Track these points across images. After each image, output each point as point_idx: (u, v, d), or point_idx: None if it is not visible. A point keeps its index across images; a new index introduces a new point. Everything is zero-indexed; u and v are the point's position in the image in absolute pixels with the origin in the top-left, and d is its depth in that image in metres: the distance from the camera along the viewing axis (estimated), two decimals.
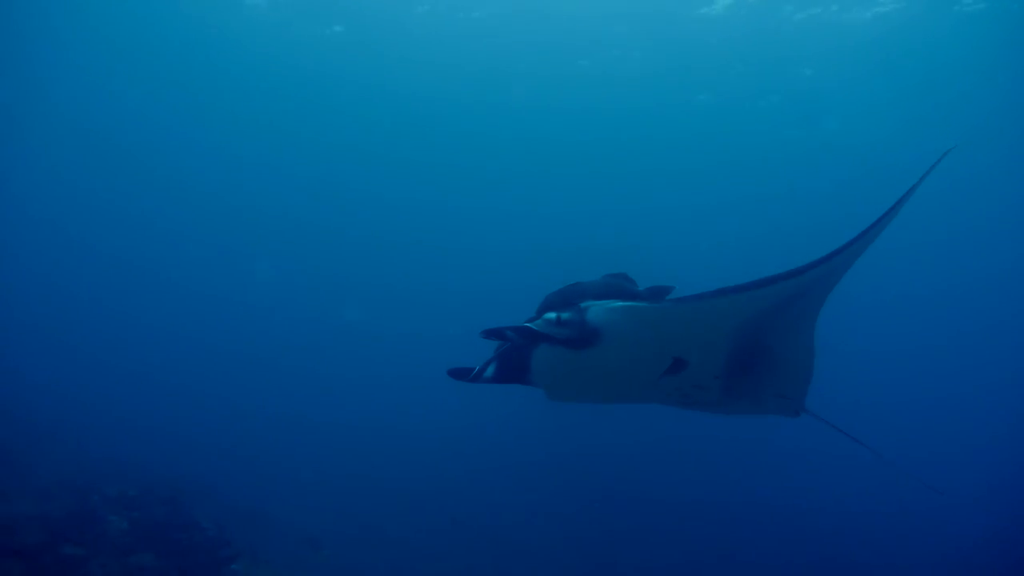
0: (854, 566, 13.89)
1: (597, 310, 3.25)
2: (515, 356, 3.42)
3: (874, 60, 19.63)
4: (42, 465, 10.80)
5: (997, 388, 26.23)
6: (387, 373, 24.03)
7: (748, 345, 3.45)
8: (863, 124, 23.40)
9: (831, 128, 23.56)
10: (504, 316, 3.97)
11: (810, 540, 14.06)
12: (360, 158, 29.66)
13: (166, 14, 20.44)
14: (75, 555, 8.53)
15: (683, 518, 13.96)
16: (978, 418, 24.96)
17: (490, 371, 3.42)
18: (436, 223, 33.33)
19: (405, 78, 23.06)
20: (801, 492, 17.13)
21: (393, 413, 18.76)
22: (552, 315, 3.28)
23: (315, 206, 32.95)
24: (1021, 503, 16.53)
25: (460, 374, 3.41)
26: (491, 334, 3.28)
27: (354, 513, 11.98)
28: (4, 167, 28.12)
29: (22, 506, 9.47)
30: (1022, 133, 21.53)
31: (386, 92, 24.29)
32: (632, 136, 25.67)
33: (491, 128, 26.31)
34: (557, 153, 27.55)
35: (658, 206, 30.68)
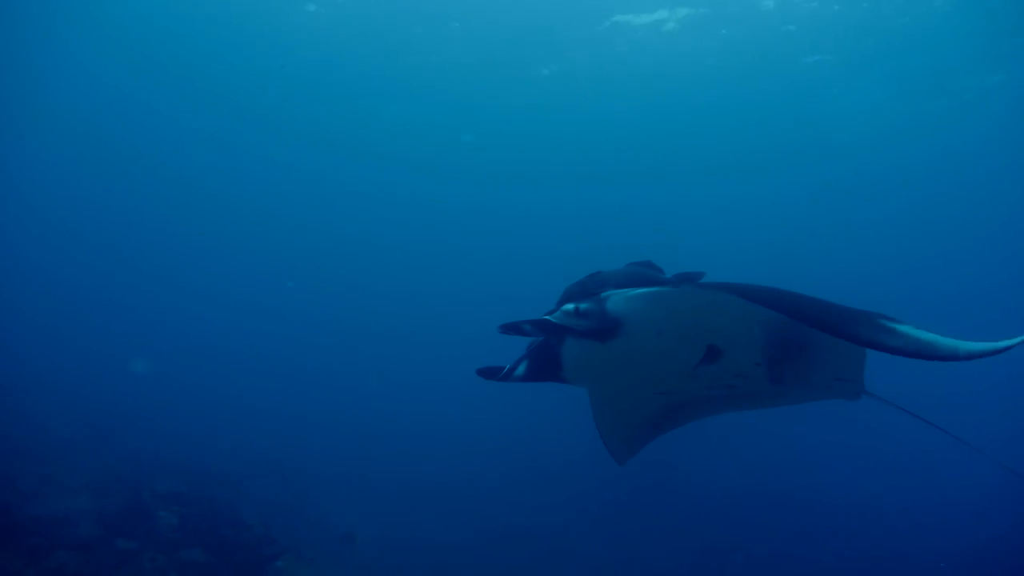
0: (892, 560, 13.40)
1: (617, 299, 3.15)
2: (545, 352, 3.33)
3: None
4: (99, 462, 11.26)
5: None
6: (419, 373, 24.16)
7: (786, 330, 3.24)
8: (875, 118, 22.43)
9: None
10: (535, 310, 3.91)
11: (836, 535, 13.56)
12: (379, 157, 29.85)
13: (172, 9, 20.48)
14: (128, 549, 8.89)
15: (719, 514, 13.67)
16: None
17: (521, 369, 3.31)
18: (467, 222, 33.51)
19: (423, 74, 22.74)
20: (827, 486, 16.53)
21: (424, 412, 18.81)
22: (571, 306, 3.20)
23: (343, 210, 33.48)
24: None
25: (490, 373, 3.29)
26: (509, 329, 3.21)
27: (390, 511, 12.13)
28: (51, 179, 29.45)
29: (80, 501, 9.91)
30: None
31: (404, 90, 24.09)
32: (661, 131, 25.31)
33: (517, 126, 26.24)
34: (582, 150, 27.31)
35: (685, 202, 30.21)
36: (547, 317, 3.29)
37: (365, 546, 10.99)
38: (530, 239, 33.07)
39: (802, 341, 3.34)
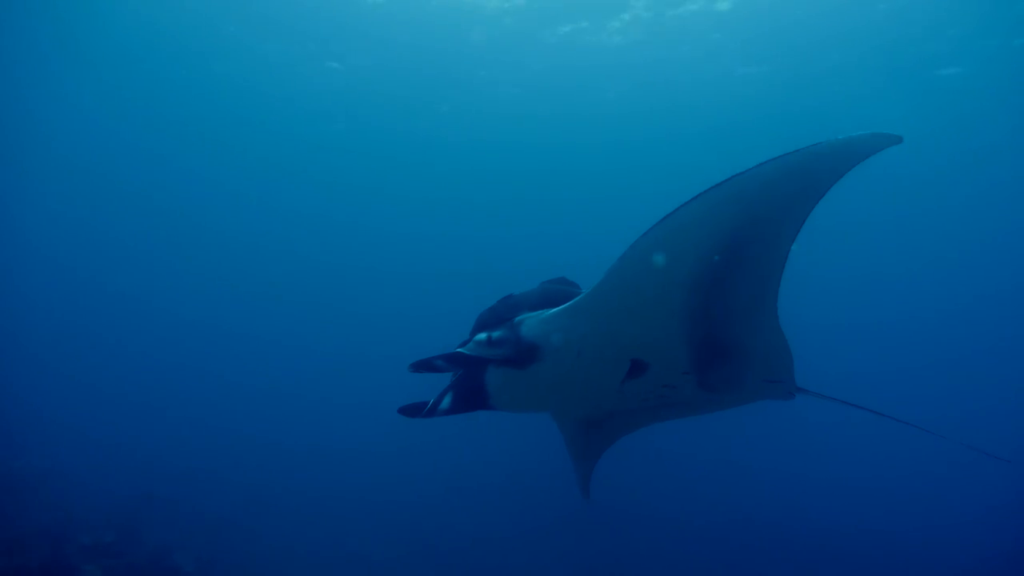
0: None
1: (531, 323, 3.01)
2: (469, 382, 3.16)
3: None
4: (17, 513, 10.42)
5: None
6: (356, 396, 23.59)
7: (709, 335, 3.12)
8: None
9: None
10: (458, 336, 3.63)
11: (806, 549, 13.55)
12: (338, 186, 29.76)
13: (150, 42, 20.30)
14: None
15: (679, 532, 13.51)
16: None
17: (446, 402, 3.10)
18: (405, 246, 33.49)
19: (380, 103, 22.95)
20: (790, 497, 16.63)
21: (366, 437, 18.21)
22: (483, 336, 3.05)
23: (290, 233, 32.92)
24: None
25: (413, 410, 3.07)
26: (420, 367, 3.01)
27: (338, 548, 11.58)
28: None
29: None
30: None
31: (361, 126, 24.35)
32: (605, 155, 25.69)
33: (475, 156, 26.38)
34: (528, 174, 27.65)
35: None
36: (460, 350, 3.14)
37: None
38: (462, 262, 32.96)
39: (726, 343, 3.22)
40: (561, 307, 2.95)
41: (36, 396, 18.27)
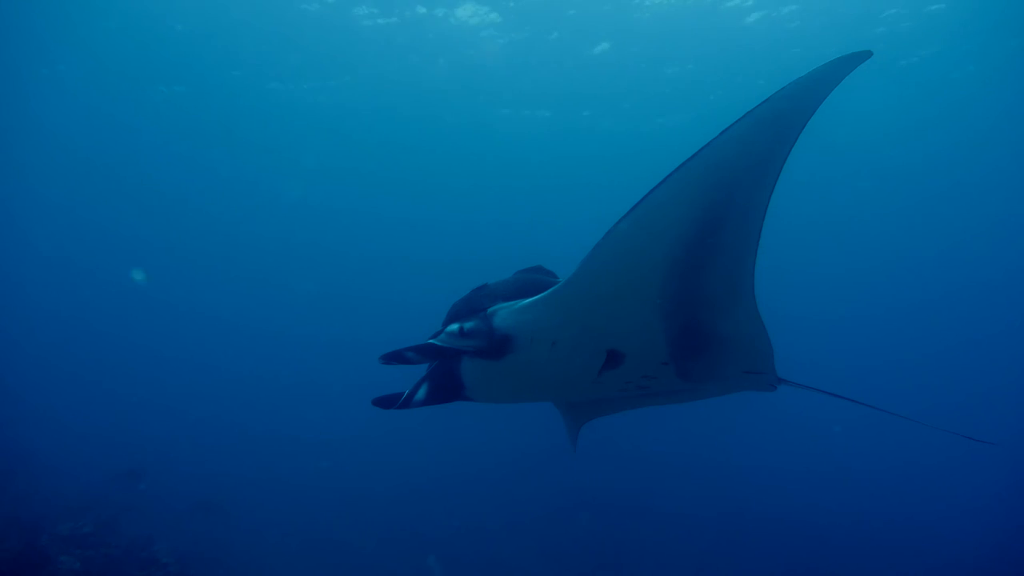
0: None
1: (504, 314, 2.90)
2: (444, 372, 3.06)
3: None
4: None
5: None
6: (340, 384, 23.47)
7: (686, 325, 3.04)
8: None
9: None
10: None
11: (799, 538, 13.59)
12: (346, 175, 29.42)
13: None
14: None
15: (671, 523, 13.50)
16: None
17: (422, 393, 3.02)
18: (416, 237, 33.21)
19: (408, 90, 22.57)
20: (785, 487, 16.73)
21: (349, 426, 18.08)
22: (455, 327, 2.93)
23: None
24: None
25: (388, 402, 2.99)
26: (391, 358, 2.90)
27: (318, 534, 11.50)
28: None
29: None
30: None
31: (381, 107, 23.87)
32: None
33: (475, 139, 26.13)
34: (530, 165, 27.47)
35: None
36: (432, 341, 3.02)
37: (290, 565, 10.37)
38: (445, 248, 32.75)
39: (705, 332, 3.12)
40: (536, 297, 2.85)
41: (14, 382, 18.00)
